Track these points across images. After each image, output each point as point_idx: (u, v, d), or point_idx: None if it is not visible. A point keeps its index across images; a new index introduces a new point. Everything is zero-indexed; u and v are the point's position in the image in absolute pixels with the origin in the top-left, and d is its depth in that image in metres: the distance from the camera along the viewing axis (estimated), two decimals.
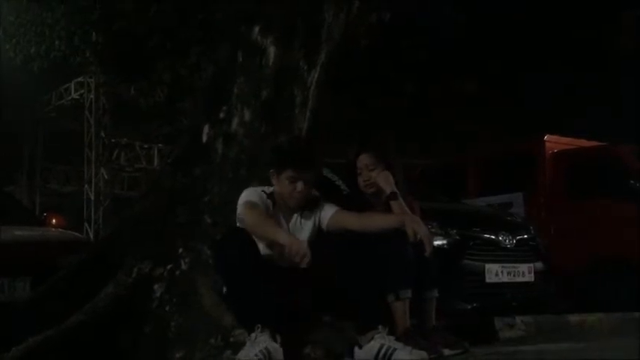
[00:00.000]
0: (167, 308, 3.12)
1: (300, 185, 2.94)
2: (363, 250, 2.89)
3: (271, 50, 4.14)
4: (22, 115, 17.52)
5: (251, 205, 2.93)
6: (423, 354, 2.78)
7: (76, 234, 5.93)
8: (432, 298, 3.15)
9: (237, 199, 3.05)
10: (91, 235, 16.67)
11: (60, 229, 5.51)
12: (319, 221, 3.08)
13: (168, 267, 3.30)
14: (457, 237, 4.59)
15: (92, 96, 16.77)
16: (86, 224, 16.76)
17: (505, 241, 4.78)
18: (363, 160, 3.44)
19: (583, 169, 6.92)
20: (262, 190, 3.04)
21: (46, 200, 19.46)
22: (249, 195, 3.00)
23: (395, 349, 2.70)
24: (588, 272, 6.56)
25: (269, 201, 2.99)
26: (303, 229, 3.05)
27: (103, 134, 16.85)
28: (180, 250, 3.36)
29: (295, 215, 3.06)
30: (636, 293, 6.05)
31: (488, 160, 7.71)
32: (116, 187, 18.03)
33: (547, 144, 7.14)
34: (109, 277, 3.45)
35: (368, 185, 3.41)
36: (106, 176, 17.04)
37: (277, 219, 3.00)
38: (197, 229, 3.48)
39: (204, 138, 3.90)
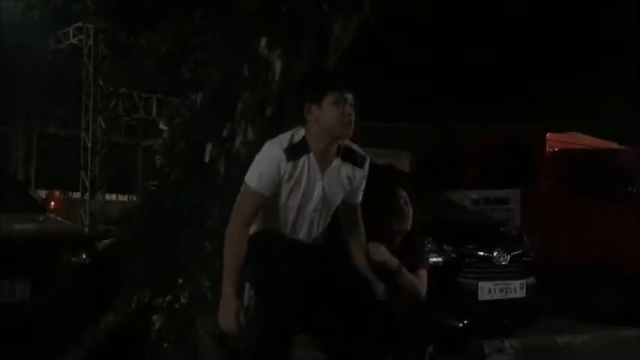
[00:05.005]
0: (166, 345, 3.18)
1: (348, 108, 2.67)
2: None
3: (277, 65, 4.08)
4: (19, 56, 17.26)
5: (246, 196, 2.71)
6: None
7: (75, 227, 5.94)
8: (426, 354, 3.20)
9: None
10: (87, 183, 16.72)
11: (59, 219, 5.48)
12: (352, 181, 2.81)
13: (168, 298, 3.35)
14: (453, 255, 4.64)
15: (91, 42, 16.50)
16: (82, 172, 16.76)
17: (500, 258, 4.85)
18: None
19: (582, 170, 6.92)
20: (288, 145, 2.67)
21: (44, 144, 19.41)
22: (260, 166, 2.68)
23: None
24: (577, 273, 6.64)
25: (289, 164, 2.65)
26: (340, 178, 2.77)
27: (101, 82, 16.66)
28: (180, 281, 3.39)
29: (334, 162, 2.76)
30: (622, 298, 6.20)
31: (489, 152, 7.70)
32: (113, 135, 17.97)
33: (548, 142, 7.12)
34: (109, 295, 3.50)
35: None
36: (103, 125, 16.94)
37: (308, 169, 2.70)
38: (197, 258, 3.51)
39: (207, 157, 3.88)
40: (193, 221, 3.66)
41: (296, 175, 2.69)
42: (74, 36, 16.79)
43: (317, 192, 2.73)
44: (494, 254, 4.83)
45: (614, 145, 7.98)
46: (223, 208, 3.71)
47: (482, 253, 4.81)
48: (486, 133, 8.26)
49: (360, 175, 2.84)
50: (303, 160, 2.69)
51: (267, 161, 2.69)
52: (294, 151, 2.68)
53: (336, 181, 2.77)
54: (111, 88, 16.82)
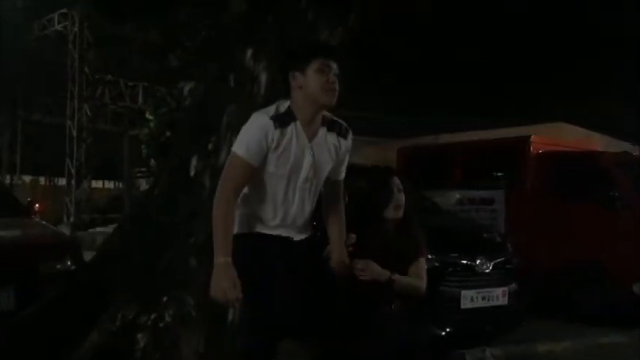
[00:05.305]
0: None
1: (332, 76, 2.70)
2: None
3: (263, 77, 4.07)
4: (3, 42, 17.07)
5: (234, 165, 2.70)
6: None
7: (60, 231, 5.91)
8: None
9: None
10: (73, 171, 16.62)
11: (43, 224, 5.45)
12: (338, 151, 2.84)
13: (153, 316, 3.36)
14: (435, 263, 4.66)
15: (76, 29, 16.34)
16: (68, 160, 16.65)
17: (482, 266, 4.87)
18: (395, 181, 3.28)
19: (566, 172, 6.99)
20: (274, 113, 2.68)
21: (29, 130, 19.26)
22: (248, 134, 2.67)
23: None
24: (561, 274, 6.72)
25: (276, 131, 2.65)
26: (327, 146, 2.80)
27: (86, 69, 16.52)
28: (165, 299, 3.40)
29: (321, 131, 2.79)
30: (607, 300, 6.30)
31: (476, 152, 7.75)
32: (99, 123, 17.87)
33: (533, 144, 7.17)
34: (94, 311, 3.52)
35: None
36: (89, 113, 16.82)
37: (297, 137, 2.72)
38: (182, 274, 3.52)
39: (192, 171, 3.88)
40: (178, 236, 3.66)
41: (284, 143, 2.69)
42: (59, 22, 16.62)
43: (307, 160, 2.74)
44: (477, 262, 4.85)
45: (603, 138, 8.05)
46: (208, 223, 3.73)
47: (465, 262, 4.83)
48: (477, 128, 8.29)
49: (345, 147, 2.87)
50: (290, 128, 2.70)
51: (254, 129, 2.68)
52: (281, 120, 2.69)
53: (325, 149, 2.79)
54: (97, 76, 16.69)
